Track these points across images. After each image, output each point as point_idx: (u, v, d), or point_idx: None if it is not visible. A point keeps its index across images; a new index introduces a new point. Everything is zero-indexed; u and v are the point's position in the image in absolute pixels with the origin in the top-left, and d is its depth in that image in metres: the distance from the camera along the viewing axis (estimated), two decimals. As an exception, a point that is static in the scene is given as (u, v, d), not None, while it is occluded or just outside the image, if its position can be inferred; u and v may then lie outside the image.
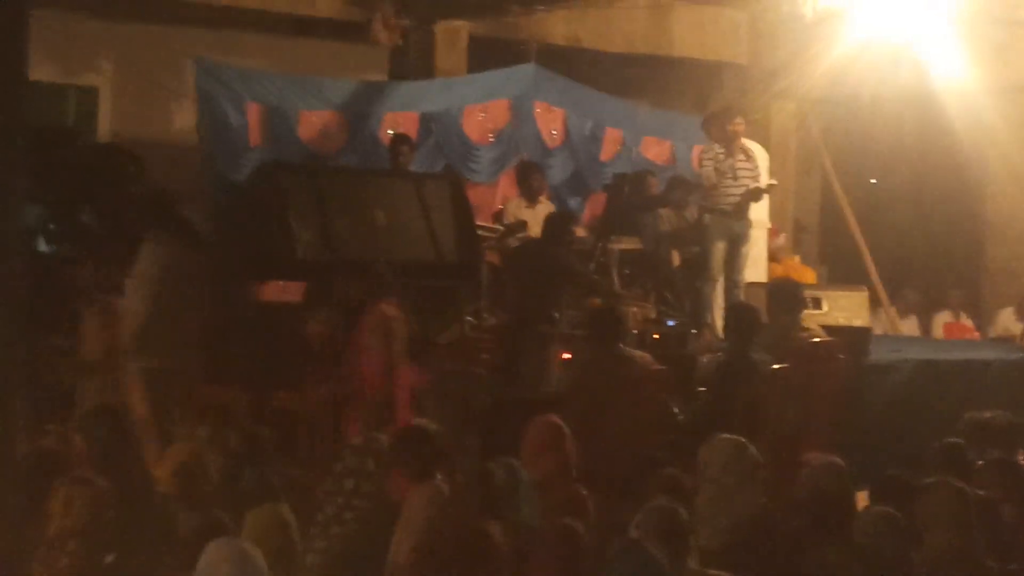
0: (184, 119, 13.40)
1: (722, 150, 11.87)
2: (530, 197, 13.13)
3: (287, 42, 14.55)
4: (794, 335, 10.00)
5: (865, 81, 13.81)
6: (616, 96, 15.48)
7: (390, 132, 13.08)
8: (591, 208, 14.66)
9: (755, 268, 13.03)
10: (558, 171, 14.65)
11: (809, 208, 17.15)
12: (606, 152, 15.14)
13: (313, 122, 13.03)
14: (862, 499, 7.50)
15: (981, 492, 6.99)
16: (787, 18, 12.53)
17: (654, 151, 15.63)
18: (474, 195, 13.75)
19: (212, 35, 13.77)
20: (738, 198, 11.87)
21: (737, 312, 9.89)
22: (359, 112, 13.25)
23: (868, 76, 13.53)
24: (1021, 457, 8.96)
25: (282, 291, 10.80)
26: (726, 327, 9.84)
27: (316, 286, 9.95)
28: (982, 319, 16.14)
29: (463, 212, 11.18)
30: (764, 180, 12.20)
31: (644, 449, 8.06)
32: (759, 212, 12.94)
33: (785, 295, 10.53)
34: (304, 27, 14.41)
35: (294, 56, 14.30)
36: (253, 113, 12.67)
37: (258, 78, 12.89)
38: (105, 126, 13.82)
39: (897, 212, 17.49)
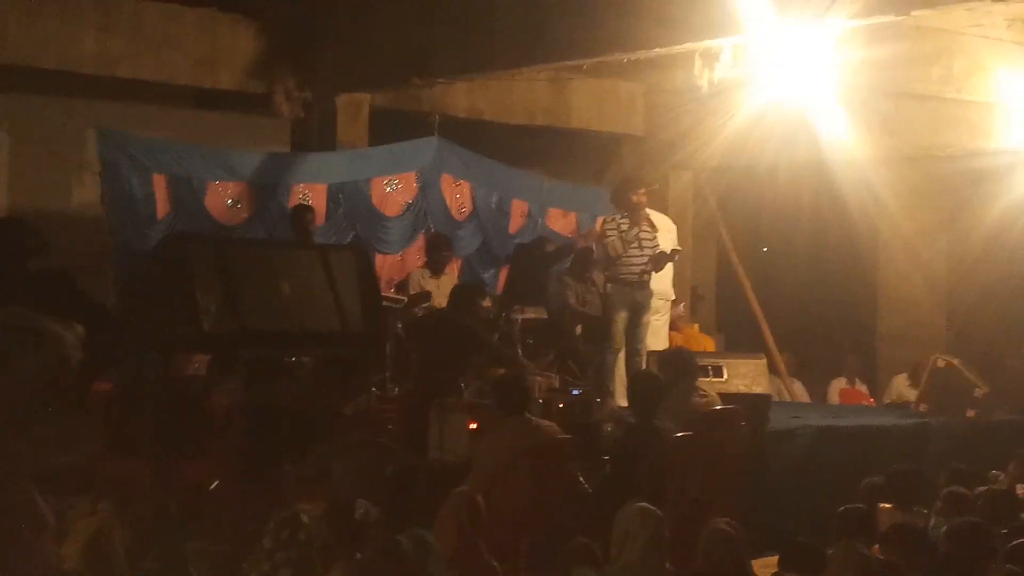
0: (86, 192, 13.33)
1: (626, 220, 12.02)
2: (436, 268, 13.24)
3: (189, 114, 14.57)
4: (690, 402, 10.11)
5: (760, 151, 14.10)
6: (518, 168, 15.66)
7: (302, 201, 13.15)
8: (503, 280, 14.81)
9: (658, 338, 13.21)
10: (466, 243, 14.79)
11: (706, 276, 17.41)
12: (514, 224, 15.31)
13: (220, 193, 13.08)
14: (772, 564, 7.65)
15: (883, 557, 7.17)
16: (683, 90, 12.75)
17: (560, 223, 15.83)
18: (382, 265, 13.89)
19: (114, 107, 13.73)
20: (641, 268, 12.03)
21: (639, 380, 10.01)
22: (267, 183, 13.31)
23: (763, 146, 13.82)
24: (920, 520, 9.20)
25: (188, 363, 10.76)
26: (629, 395, 9.96)
27: (221, 358, 9.92)
28: (877, 385, 16.42)
29: (368, 283, 11.24)
30: (668, 248, 12.37)
31: (553, 519, 8.11)
32: (664, 283, 13.12)
33: (678, 363, 10.67)
34: (206, 99, 14.44)
35: (197, 128, 14.30)
36: (159, 184, 12.68)
37: (164, 148, 12.89)
38: (3, 200, 13.70)
39: (793, 279, 17.79)
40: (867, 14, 10.03)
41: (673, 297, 13.84)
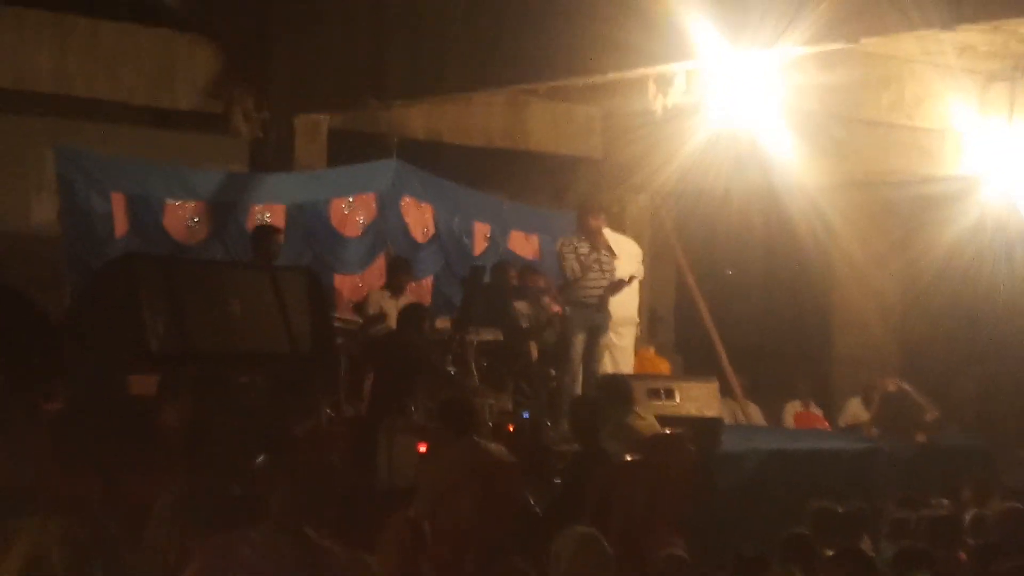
0: (44, 210, 13.32)
1: (585, 243, 12.08)
2: (396, 289, 13.27)
3: (147, 133, 14.58)
4: (628, 425, 10.17)
5: (715, 175, 14.18)
6: (477, 190, 15.72)
7: (261, 221, 13.13)
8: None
9: (626, 358, 13.29)
10: (427, 265, 14.83)
11: (664, 299, 17.49)
12: (477, 247, 15.36)
13: (179, 212, 13.05)
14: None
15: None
16: (639, 114, 12.85)
17: (522, 245, 15.89)
18: (341, 286, 13.91)
19: (71, 125, 13.77)
20: (600, 291, 12.08)
21: (578, 405, 10.08)
22: (225, 203, 13.28)
23: (717, 170, 13.90)
24: (866, 545, 9.27)
25: (137, 382, 10.75)
26: (570, 421, 10.02)
27: (169, 377, 9.93)
28: (832, 408, 16.51)
29: (319, 304, 11.25)
30: (625, 274, 12.42)
31: (499, 542, 8.14)
32: (629, 306, 13.20)
33: (612, 388, 10.74)
34: (164, 118, 14.45)
35: (154, 147, 14.30)
36: (118, 202, 12.64)
37: (122, 167, 12.87)
38: (-41, 218, 13.69)
39: (749, 302, 17.90)
40: (817, 41, 10.14)
41: (638, 320, 13.92)
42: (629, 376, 12.40)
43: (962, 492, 10.82)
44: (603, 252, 12.16)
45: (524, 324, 13.23)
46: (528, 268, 14.26)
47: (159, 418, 9.60)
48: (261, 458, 9.03)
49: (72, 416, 9.93)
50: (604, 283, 12.10)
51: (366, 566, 6.49)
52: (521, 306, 13.35)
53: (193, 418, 9.48)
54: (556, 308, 13.11)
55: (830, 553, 7.91)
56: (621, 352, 13.37)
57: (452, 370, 11.93)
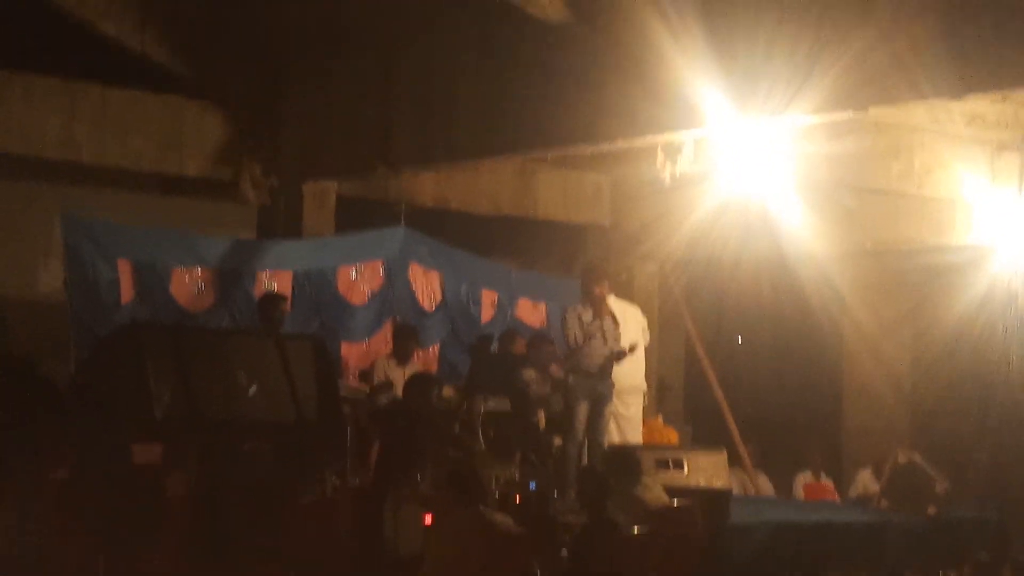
0: (52, 277, 13.29)
1: (589, 311, 12.03)
2: (402, 357, 13.21)
3: (155, 199, 14.62)
4: (636, 497, 10.09)
5: (724, 243, 14.17)
6: (486, 257, 15.69)
7: (268, 288, 13.10)
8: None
9: (634, 427, 13.20)
10: (434, 332, 14.77)
11: (674, 367, 17.42)
12: (485, 314, 15.30)
13: (185, 279, 13.00)
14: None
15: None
16: (648, 182, 12.84)
17: (529, 313, 15.83)
18: (348, 354, 13.86)
19: (80, 192, 13.78)
20: (603, 360, 12.01)
21: (585, 478, 10.00)
22: (232, 270, 13.25)
23: (726, 239, 13.90)
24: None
25: (143, 450, 10.69)
26: (578, 491, 9.94)
27: (175, 445, 9.88)
28: (842, 478, 16.39)
29: (325, 372, 11.20)
30: (628, 342, 12.34)
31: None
32: (636, 374, 13.12)
33: (620, 460, 10.68)
34: (172, 185, 14.49)
35: (162, 213, 14.31)
36: (124, 269, 12.62)
37: (129, 234, 12.84)
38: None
39: (759, 372, 17.82)
40: (826, 110, 10.15)
41: (645, 388, 13.84)
42: (637, 446, 12.32)
43: (964, 570, 10.71)
44: (606, 320, 12.10)
45: (532, 393, 13.15)
46: (537, 336, 14.19)
47: (165, 487, 9.55)
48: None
49: (78, 484, 9.87)
50: (607, 351, 12.03)
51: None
52: (529, 375, 13.26)
53: (199, 487, 9.43)
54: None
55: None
56: (628, 421, 13.27)
57: (460, 439, 11.84)
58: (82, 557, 9.30)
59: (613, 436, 12.70)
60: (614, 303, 12.51)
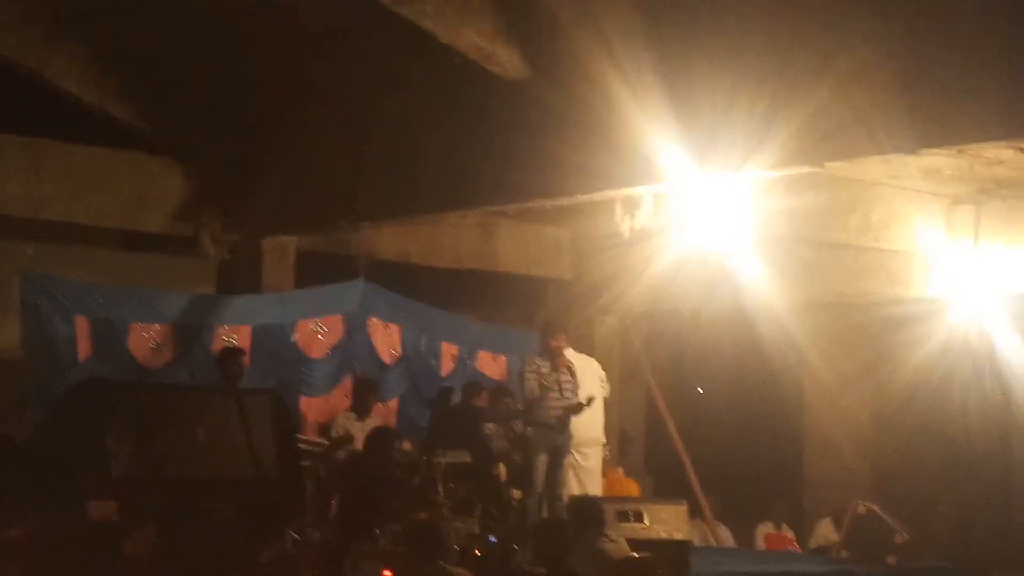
0: (11, 334, 13.21)
1: (546, 364, 12.06)
2: (361, 412, 13.21)
3: (115, 255, 14.56)
4: (599, 548, 10.07)
5: (683, 296, 14.24)
6: (447, 311, 15.70)
7: (226, 343, 13.08)
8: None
9: (593, 479, 13.18)
10: (394, 386, 14.78)
11: (635, 419, 17.43)
12: (444, 367, 15.31)
13: (143, 335, 13.00)
14: None
15: None
16: (607, 236, 12.90)
17: (489, 366, 15.84)
18: (308, 408, 13.82)
19: (39, 248, 13.69)
20: (561, 412, 12.04)
21: (544, 530, 10.00)
22: (190, 325, 13.25)
23: (686, 292, 13.96)
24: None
25: (101, 509, 10.62)
26: (535, 545, 9.92)
27: (132, 504, 9.81)
28: (804, 529, 16.40)
29: (284, 427, 11.16)
30: (586, 394, 12.36)
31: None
32: (595, 426, 13.13)
33: (584, 511, 10.67)
34: (132, 241, 14.45)
35: (122, 269, 14.24)
36: (82, 326, 12.60)
37: (87, 290, 12.82)
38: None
39: (719, 423, 17.82)
40: (783, 165, 10.25)
41: (604, 440, 13.83)
42: (598, 498, 12.30)
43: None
44: (563, 373, 12.15)
45: (493, 446, 13.15)
46: (499, 388, 14.21)
47: (124, 545, 9.48)
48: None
49: (35, 543, 9.79)
50: (564, 403, 12.07)
51: None
52: (490, 428, 13.28)
53: (158, 545, 9.37)
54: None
55: None
56: (587, 473, 13.25)
57: (420, 493, 11.81)
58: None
59: (573, 488, 12.70)
60: (572, 356, 12.56)
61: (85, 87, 13.10)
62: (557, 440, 12.08)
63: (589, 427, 12.95)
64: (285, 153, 13.65)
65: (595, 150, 10.92)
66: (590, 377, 12.94)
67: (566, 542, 9.43)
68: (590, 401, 12.25)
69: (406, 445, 12.87)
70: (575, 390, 12.16)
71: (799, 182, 11.62)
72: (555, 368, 12.08)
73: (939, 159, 11.21)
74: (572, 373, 12.22)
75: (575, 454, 12.83)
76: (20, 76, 12.90)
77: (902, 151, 9.78)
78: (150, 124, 13.59)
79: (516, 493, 12.45)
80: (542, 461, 11.99)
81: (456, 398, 14.06)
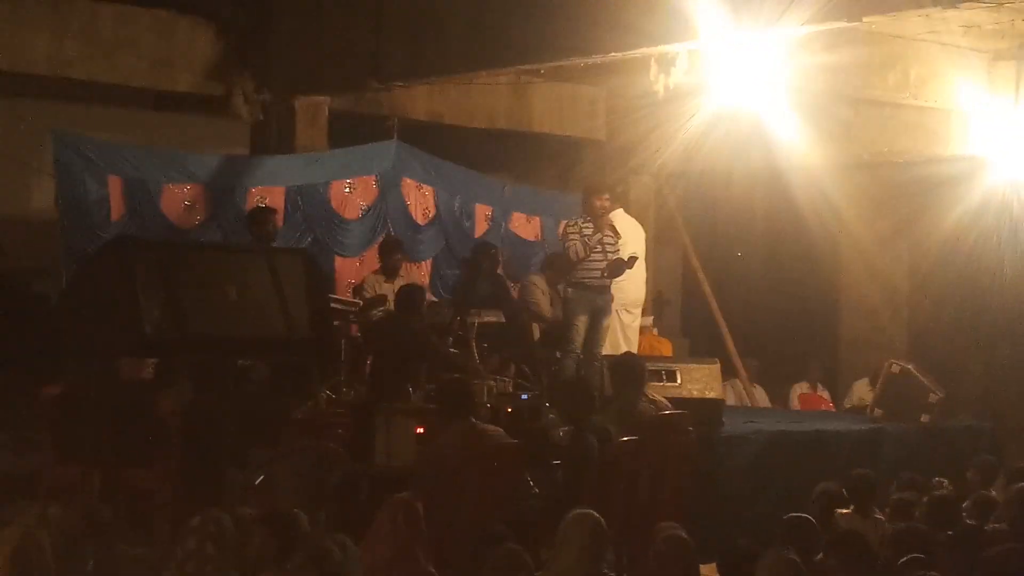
0: (43, 195, 13.25)
1: (589, 224, 11.94)
2: (389, 272, 13.20)
3: (147, 116, 14.50)
4: (638, 408, 10.10)
5: (718, 156, 14.08)
6: (480, 172, 15.61)
7: (260, 204, 13.05)
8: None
9: (632, 341, 13.19)
10: (428, 247, 14.78)
11: (671, 281, 17.41)
12: (478, 228, 15.28)
13: (176, 195, 12.99)
14: (712, 571, 7.61)
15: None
16: (642, 95, 12.73)
17: (523, 227, 15.80)
18: (341, 269, 13.84)
19: (70, 109, 13.65)
20: (602, 272, 11.95)
21: (573, 386, 10.01)
22: (223, 186, 13.22)
23: (720, 151, 13.80)
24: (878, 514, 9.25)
25: (134, 368, 10.69)
26: (565, 402, 9.95)
27: (165, 363, 9.86)
28: (839, 390, 16.43)
29: (317, 287, 11.17)
30: (628, 254, 12.27)
31: (490, 525, 8.06)
32: (637, 288, 13.09)
33: (626, 369, 10.66)
34: (164, 101, 14.37)
35: (154, 130, 14.24)
36: (114, 186, 12.57)
37: (119, 151, 12.77)
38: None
39: (754, 284, 17.79)
40: (820, 20, 10.05)
41: (643, 301, 13.82)
42: (639, 357, 12.28)
43: (967, 474, 10.75)
44: (607, 233, 12.03)
45: (531, 299, 13.20)
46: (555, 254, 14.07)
47: (156, 404, 9.56)
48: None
49: (70, 402, 9.88)
50: (604, 264, 11.97)
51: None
52: (539, 282, 13.36)
53: (190, 404, 9.44)
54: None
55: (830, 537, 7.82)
56: (634, 333, 13.28)
57: (453, 351, 11.84)
58: (73, 477, 9.31)
59: (621, 347, 12.68)
60: (614, 216, 12.43)
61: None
62: (597, 302, 11.97)
63: (636, 287, 12.92)
64: (314, 10, 13.47)
65: (629, 6, 10.74)
66: (631, 237, 12.85)
67: (592, 401, 9.45)
68: (632, 260, 12.14)
69: (435, 304, 12.89)
70: (617, 250, 12.04)
71: (836, 38, 11.41)
72: (598, 228, 11.94)
73: (979, 13, 10.98)
74: (615, 232, 12.10)
75: (621, 314, 12.81)
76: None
77: (941, 4, 9.60)
78: (178, -18, 13.47)
79: (555, 354, 12.41)
80: (582, 322, 11.89)
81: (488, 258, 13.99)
